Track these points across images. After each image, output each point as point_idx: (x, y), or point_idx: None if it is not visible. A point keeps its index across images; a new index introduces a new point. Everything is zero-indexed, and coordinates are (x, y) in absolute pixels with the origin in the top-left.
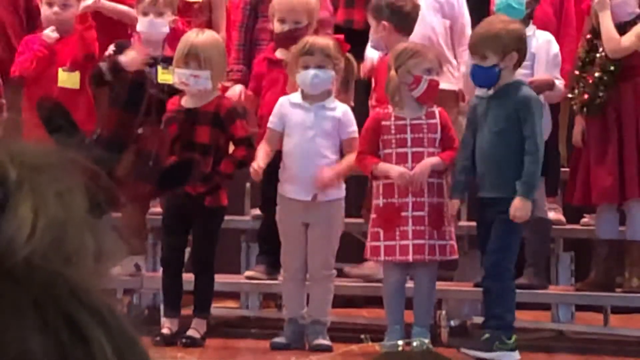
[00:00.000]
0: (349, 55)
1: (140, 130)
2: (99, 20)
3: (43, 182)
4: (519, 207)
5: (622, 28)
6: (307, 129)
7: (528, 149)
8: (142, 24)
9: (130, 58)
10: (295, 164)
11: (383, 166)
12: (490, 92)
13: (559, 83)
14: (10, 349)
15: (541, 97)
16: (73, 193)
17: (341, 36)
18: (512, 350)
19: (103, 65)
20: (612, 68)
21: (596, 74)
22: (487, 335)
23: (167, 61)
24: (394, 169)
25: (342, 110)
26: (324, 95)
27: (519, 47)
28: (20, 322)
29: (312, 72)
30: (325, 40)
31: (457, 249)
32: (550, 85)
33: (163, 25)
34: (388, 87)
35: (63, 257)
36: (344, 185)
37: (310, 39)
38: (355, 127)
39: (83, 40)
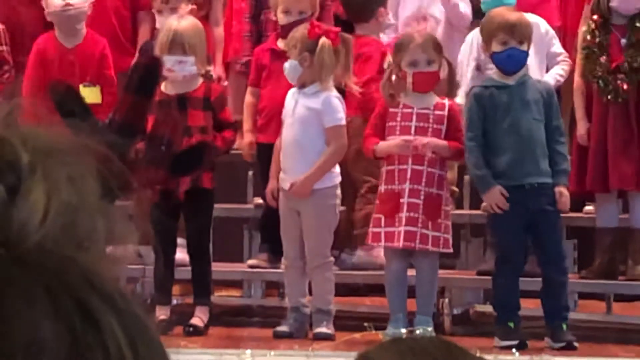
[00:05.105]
0: (346, 36)
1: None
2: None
3: (55, 167)
4: (565, 195)
5: (631, 19)
6: (289, 116)
7: (561, 137)
8: (159, 24)
9: None
10: (282, 152)
11: (383, 144)
12: (510, 81)
13: (565, 66)
14: (21, 336)
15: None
16: (85, 178)
17: (337, 29)
18: None
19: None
20: None
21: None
22: (565, 326)
23: None
24: (394, 141)
25: (323, 97)
26: (306, 83)
27: None
28: (31, 309)
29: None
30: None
31: (451, 244)
32: None
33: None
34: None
35: (75, 242)
36: (336, 173)
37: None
38: (339, 114)
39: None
